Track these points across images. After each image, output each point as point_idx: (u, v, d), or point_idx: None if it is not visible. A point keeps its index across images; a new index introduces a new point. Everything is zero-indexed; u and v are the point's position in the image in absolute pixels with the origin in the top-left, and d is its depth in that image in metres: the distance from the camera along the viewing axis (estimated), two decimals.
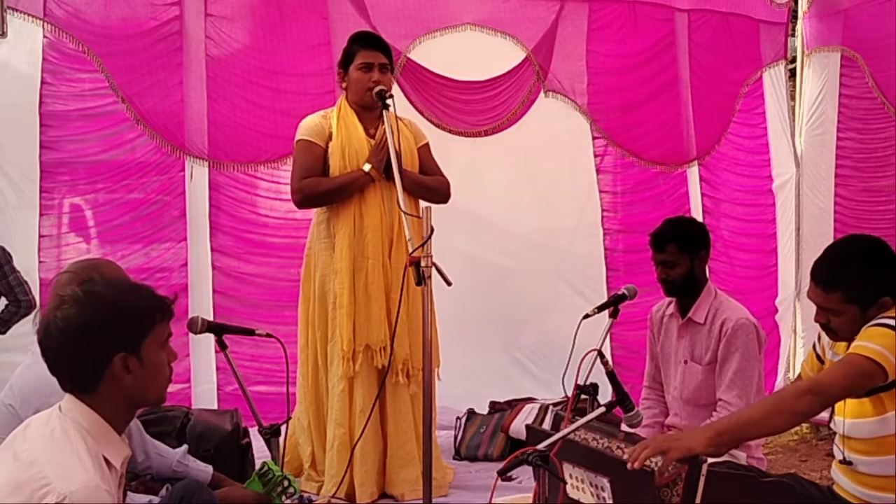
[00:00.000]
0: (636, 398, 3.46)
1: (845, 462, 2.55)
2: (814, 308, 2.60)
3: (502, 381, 5.15)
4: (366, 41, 3.81)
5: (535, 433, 2.82)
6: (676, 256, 3.54)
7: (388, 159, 3.55)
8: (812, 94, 5.98)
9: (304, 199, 3.75)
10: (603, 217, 5.57)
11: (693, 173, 5.75)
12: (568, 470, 2.36)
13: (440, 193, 3.81)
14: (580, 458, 2.34)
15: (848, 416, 2.52)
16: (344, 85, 3.80)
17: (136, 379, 1.90)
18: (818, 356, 2.79)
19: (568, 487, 2.35)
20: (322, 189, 3.69)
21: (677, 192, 5.70)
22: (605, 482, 2.25)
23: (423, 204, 3.61)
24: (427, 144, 3.92)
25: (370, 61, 3.70)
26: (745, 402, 3.32)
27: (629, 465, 2.14)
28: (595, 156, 5.54)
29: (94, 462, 1.81)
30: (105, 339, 1.88)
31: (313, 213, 3.85)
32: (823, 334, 2.73)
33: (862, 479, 2.53)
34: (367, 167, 3.65)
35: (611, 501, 2.25)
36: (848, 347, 2.56)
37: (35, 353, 2.75)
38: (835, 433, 2.65)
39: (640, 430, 3.07)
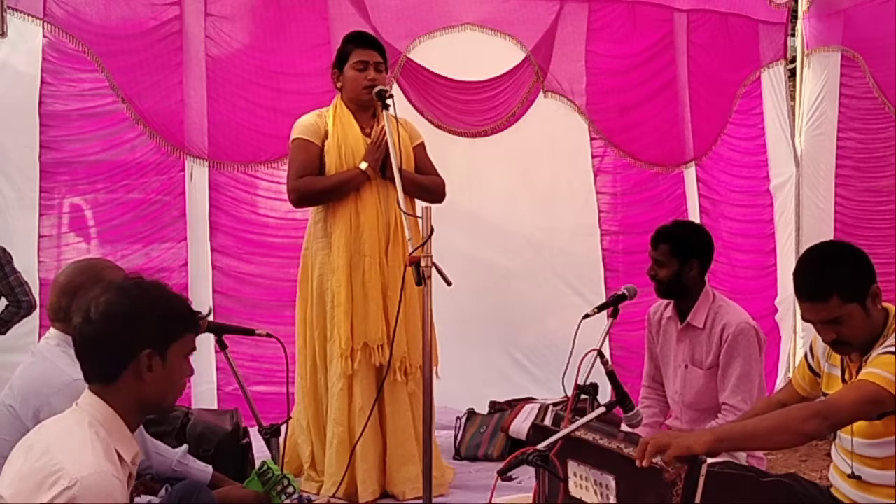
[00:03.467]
0: (636, 398, 3.46)
1: (853, 476, 2.55)
2: None
3: (502, 381, 5.15)
4: (360, 40, 3.81)
5: (540, 431, 2.80)
6: (665, 258, 3.54)
7: (384, 158, 3.58)
8: (812, 94, 5.98)
9: (300, 198, 3.75)
10: (601, 218, 5.56)
11: (690, 174, 5.75)
12: (572, 468, 2.35)
13: (435, 193, 3.80)
14: (586, 455, 2.34)
15: (856, 435, 2.52)
16: (339, 85, 3.79)
17: (155, 379, 1.95)
18: (811, 367, 2.78)
19: (571, 485, 2.34)
20: (318, 188, 3.69)
21: (675, 193, 5.70)
22: (610, 480, 2.25)
23: (422, 204, 3.61)
24: (422, 143, 3.92)
25: (365, 59, 3.71)
26: (750, 405, 3.32)
27: (638, 464, 2.14)
28: (593, 157, 5.54)
29: (106, 452, 1.86)
30: (139, 331, 1.93)
31: (310, 213, 3.85)
32: (816, 345, 2.73)
33: (863, 486, 2.54)
34: (363, 165, 3.65)
35: (615, 500, 2.24)
36: (842, 360, 2.58)
37: (35, 352, 2.77)
38: (836, 437, 2.66)
39: (640, 429, 3.07)
